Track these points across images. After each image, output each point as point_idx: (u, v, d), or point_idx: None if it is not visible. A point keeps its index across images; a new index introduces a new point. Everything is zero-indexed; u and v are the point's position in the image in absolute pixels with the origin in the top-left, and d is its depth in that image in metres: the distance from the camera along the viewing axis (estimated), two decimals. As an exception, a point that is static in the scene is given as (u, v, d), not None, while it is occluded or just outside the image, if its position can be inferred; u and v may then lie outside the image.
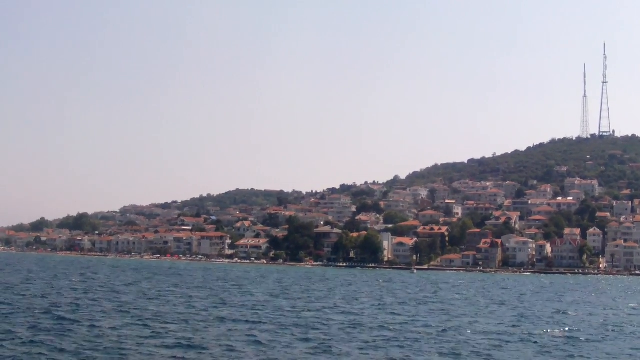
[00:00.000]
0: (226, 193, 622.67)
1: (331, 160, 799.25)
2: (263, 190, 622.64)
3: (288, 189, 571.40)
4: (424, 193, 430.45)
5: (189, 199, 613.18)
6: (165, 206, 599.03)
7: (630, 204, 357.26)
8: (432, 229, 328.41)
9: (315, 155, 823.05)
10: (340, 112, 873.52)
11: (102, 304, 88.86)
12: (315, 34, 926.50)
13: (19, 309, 79.47)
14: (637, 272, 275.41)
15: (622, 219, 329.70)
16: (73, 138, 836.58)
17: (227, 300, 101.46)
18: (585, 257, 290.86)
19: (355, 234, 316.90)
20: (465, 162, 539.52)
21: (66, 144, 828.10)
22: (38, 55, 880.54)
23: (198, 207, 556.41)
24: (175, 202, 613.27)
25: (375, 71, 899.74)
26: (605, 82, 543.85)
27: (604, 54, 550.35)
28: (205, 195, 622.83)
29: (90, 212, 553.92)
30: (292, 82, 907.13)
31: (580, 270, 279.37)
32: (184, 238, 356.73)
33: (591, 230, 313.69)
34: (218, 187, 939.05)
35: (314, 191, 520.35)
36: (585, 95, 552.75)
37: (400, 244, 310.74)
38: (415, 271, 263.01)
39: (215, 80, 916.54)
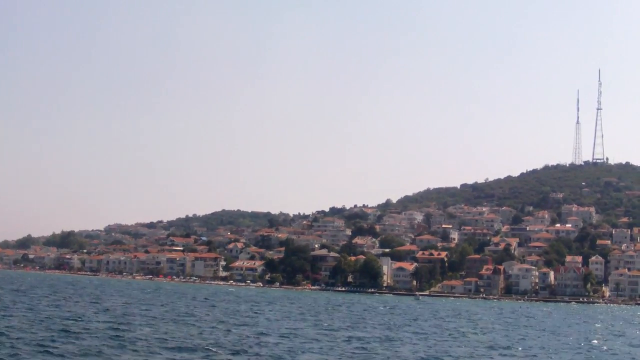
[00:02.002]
0: (212, 214, 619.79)
1: (318, 182, 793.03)
2: (250, 211, 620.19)
3: (275, 210, 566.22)
4: (419, 217, 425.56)
5: (174, 219, 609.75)
6: (151, 225, 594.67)
7: (629, 232, 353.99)
8: (431, 254, 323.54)
9: (301, 177, 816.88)
10: (328, 134, 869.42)
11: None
12: (303, 55, 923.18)
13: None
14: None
15: (624, 247, 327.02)
16: (57, 155, 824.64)
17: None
18: (589, 285, 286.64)
19: (352, 258, 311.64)
20: (458, 187, 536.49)
21: (51, 161, 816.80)
22: (23, 71, 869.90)
23: (184, 227, 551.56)
24: (160, 221, 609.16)
25: (366, 93, 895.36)
26: (600, 109, 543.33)
27: (599, 81, 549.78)
28: (191, 215, 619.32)
29: (74, 230, 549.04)
30: (279, 103, 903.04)
31: (585, 299, 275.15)
32: (177, 259, 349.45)
33: (593, 258, 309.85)
34: (203, 208, 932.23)
35: (301, 213, 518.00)
36: (578, 122, 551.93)
37: (400, 269, 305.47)
38: (420, 297, 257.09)
39: (201, 100, 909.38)
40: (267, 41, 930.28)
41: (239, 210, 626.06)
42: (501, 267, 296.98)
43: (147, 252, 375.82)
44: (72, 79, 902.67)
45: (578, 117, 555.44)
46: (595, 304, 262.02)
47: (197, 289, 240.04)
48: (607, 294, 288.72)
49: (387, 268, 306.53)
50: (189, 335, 77.72)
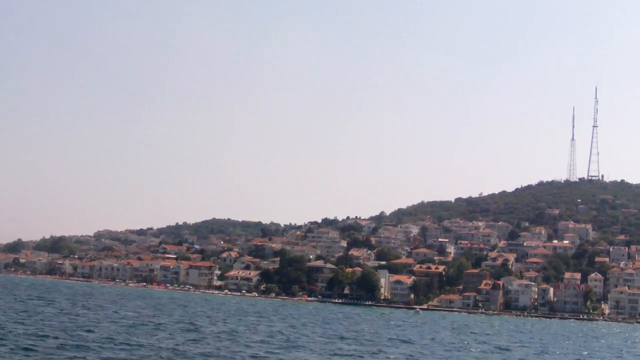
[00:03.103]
0: (203, 222, 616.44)
1: (310, 193, 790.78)
2: (240, 220, 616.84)
3: (266, 220, 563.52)
4: (415, 230, 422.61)
5: (164, 226, 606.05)
6: (141, 232, 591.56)
7: (627, 249, 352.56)
8: (428, 267, 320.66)
9: (293, 188, 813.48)
10: (320, 145, 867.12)
11: None
12: (299, 67, 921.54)
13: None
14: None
15: (622, 264, 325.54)
16: (47, 160, 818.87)
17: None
18: (589, 302, 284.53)
19: (349, 270, 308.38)
20: (453, 200, 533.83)
21: (41, 165, 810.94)
22: (16, 75, 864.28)
23: (174, 234, 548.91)
24: (150, 228, 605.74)
25: (360, 105, 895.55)
26: (596, 126, 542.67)
27: (596, 98, 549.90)
28: (181, 223, 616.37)
29: (63, 234, 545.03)
30: (272, 113, 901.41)
31: (585, 316, 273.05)
32: (171, 267, 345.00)
33: (593, 275, 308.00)
34: (194, 215, 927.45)
35: (292, 223, 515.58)
36: (573, 139, 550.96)
37: (398, 282, 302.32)
38: (420, 311, 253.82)
39: (192, 108, 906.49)
40: (263, 51, 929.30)
41: (229, 219, 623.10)
42: (500, 283, 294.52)
43: (139, 259, 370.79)
44: (63, 86, 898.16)
45: (573, 134, 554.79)
46: (597, 321, 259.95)
47: (207, 299, 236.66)
48: (607, 311, 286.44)
49: (384, 281, 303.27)
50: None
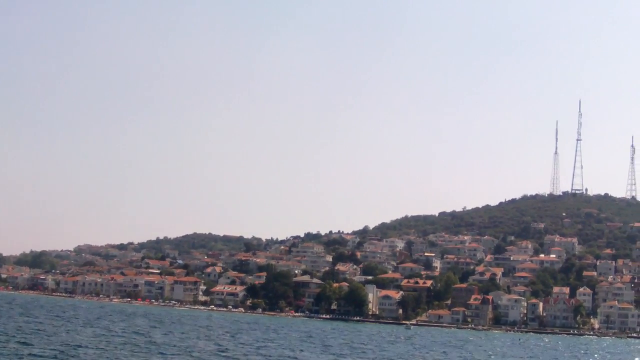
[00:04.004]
0: (184, 236, 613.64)
1: (292, 207, 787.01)
2: (222, 235, 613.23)
3: (247, 234, 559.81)
4: (400, 245, 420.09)
5: (145, 241, 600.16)
6: (122, 247, 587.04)
7: (613, 263, 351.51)
8: (416, 282, 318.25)
9: (275, 202, 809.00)
10: (301, 160, 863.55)
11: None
12: (280, 80, 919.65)
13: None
14: (634, 334, 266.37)
15: (610, 278, 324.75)
16: (26, 174, 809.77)
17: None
18: (579, 317, 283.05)
19: (336, 285, 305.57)
20: (437, 215, 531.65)
21: (20, 180, 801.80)
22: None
23: (155, 249, 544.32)
24: (131, 243, 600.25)
25: (341, 118, 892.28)
26: (580, 140, 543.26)
27: (579, 112, 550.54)
28: (162, 237, 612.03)
29: (44, 249, 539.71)
30: (252, 126, 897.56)
31: (575, 331, 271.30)
32: (156, 282, 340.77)
33: (581, 289, 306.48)
34: (174, 230, 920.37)
35: (274, 238, 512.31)
36: (556, 152, 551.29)
37: (387, 297, 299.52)
38: (410, 327, 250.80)
39: (172, 121, 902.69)
40: (250, 62, 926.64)
41: (210, 233, 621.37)
42: (489, 297, 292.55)
43: (123, 274, 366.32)
44: (43, 99, 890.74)
45: (557, 148, 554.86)
46: (588, 336, 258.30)
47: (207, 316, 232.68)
48: (597, 325, 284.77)
49: (372, 296, 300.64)
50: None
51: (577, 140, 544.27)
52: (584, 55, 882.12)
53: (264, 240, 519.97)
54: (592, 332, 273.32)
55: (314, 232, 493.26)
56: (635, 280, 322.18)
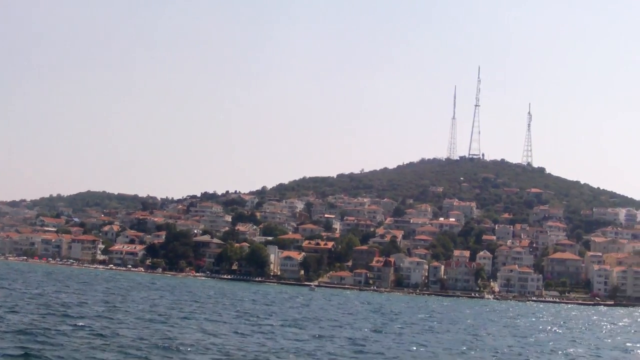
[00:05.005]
0: (78, 194, 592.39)
1: (187, 166, 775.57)
2: (116, 193, 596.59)
3: (142, 193, 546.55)
4: (300, 206, 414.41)
5: (38, 198, 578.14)
6: (14, 204, 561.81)
7: (511, 228, 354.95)
8: (317, 243, 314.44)
9: (169, 161, 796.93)
10: (196, 118, 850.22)
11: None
12: (175, 28, 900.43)
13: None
14: (534, 298, 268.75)
15: (509, 243, 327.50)
16: None
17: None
18: (480, 280, 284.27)
19: (237, 245, 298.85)
20: (335, 176, 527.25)
21: None
22: None
23: (49, 207, 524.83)
24: (24, 200, 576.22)
25: (239, 77, 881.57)
26: (478, 106, 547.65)
27: (478, 78, 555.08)
28: (55, 195, 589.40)
29: None
30: (142, 81, 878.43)
31: (476, 294, 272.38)
32: (53, 240, 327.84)
33: (481, 253, 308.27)
34: (67, 188, 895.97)
35: (170, 197, 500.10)
36: (454, 117, 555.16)
37: (288, 258, 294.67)
38: (315, 289, 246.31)
39: (62, 76, 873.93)
40: (145, 21, 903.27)
41: (105, 191, 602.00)
42: (391, 260, 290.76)
43: (18, 232, 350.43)
44: None
45: (454, 113, 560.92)
46: (489, 300, 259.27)
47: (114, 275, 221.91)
48: (497, 289, 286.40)
49: (274, 257, 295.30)
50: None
51: (476, 106, 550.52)
52: (483, 22, 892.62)
53: (159, 199, 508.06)
54: (492, 296, 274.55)
55: (211, 191, 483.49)
56: (534, 245, 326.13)
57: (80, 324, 70.30)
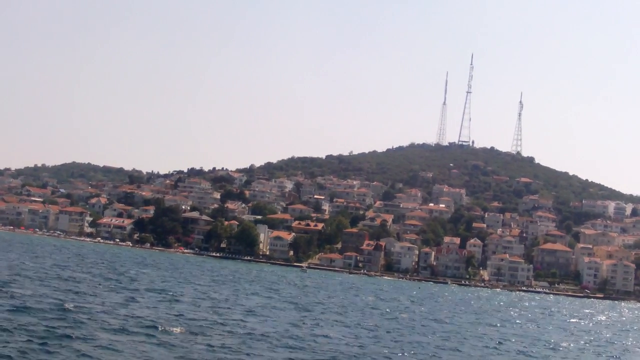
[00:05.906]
0: (62, 165, 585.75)
1: (172, 140, 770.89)
2: (102, 165, 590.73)
3: (127, 167, 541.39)
4: (289, 186, 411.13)
5: (22, 167, 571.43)
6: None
7: (501, 216, 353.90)
8: (307, 224, 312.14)
9: (155, 134, 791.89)
10: (185, 92, 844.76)
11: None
12: (157, 10, 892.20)
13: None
14: (523, 288, 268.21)
15: (499, 231, 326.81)
16: None
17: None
18: (470, 268, 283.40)
19: (226, 223, 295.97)
20: (323, 157, 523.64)
21: None
22: None
23: (33, 176, 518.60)
24: (8, 169, 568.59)
25: (227, 53, 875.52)
26: (470, 92, 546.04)
27: (471, 64, 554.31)
28: (39, 165, 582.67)
29: None
30: (130, 53, 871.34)
31: (466, 282, 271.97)
32: (40, 211, 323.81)
33: (472, 241, 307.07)
34: (52, 158, 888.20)
35: (155, 172, 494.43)
36: (445, 103, 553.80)
37: (278, 238, 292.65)
38: (306, 270, 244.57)
39: (50, 44, 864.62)
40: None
41: (90, 163, 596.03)
42: (382, 244, 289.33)
43: (4, 201, 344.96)
44: None
45: (445, 99, 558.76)
46: (479, 288, 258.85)
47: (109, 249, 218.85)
48: (487, 277, 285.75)
49: (263, 236, 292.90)
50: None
51: (467, 92, 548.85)
52: (478, 9, 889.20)
53: (145, 173, 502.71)
54: (482, 284, 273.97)
55: (197, 167, 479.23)
56: (523, 234, 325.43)
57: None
